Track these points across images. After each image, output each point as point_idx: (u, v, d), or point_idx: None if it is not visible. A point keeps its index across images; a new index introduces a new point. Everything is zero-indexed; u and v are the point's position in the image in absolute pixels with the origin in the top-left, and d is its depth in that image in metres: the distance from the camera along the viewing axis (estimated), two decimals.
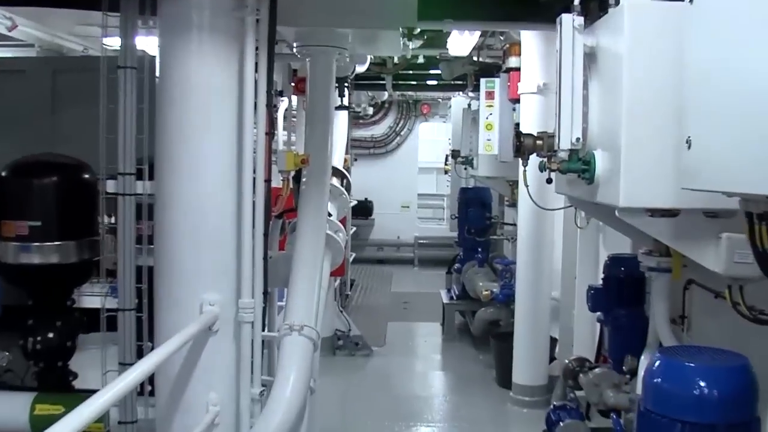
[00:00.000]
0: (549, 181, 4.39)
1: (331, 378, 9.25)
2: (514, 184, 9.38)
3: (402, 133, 18.96)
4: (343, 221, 6.49)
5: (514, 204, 9.48)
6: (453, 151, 10.87)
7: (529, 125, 7.48)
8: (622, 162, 3.16)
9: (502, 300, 9.16)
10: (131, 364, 3.90)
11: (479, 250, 10.67)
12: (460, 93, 15.22)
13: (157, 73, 4.08)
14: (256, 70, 4.09)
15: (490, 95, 8.50)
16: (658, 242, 4.06)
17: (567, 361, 5.08)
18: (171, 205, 4.05)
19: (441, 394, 8.93)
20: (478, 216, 10.89)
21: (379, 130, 18.96)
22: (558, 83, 3.54)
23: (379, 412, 8.16)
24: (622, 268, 4.66)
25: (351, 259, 14.77)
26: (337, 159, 6.81)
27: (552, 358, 8.27)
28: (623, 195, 3.16)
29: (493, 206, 11.51)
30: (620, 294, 4.63)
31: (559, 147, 3.52)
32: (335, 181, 6.44)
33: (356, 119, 18.47)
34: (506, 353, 8.33)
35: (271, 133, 4.29)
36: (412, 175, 18.90)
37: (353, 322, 11.22)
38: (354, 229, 15.42)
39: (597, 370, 4.64)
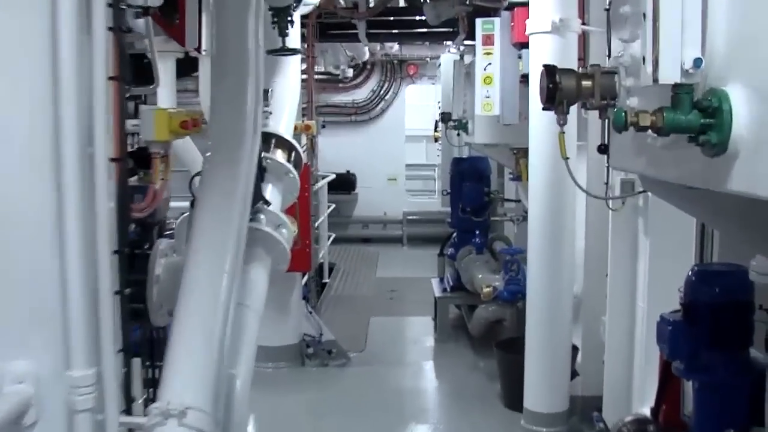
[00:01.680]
0: (603, 149, 2.60)
1: (298, 394, 7.55)
2: (520, 153, 7.59)
3: (386, 97, 17.04)
4: (291, 210, 4.71)
5: (518, 177, 7.70)
6: (443, 114, 9.00)
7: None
8: None
9: (508, 298, 7.39)
10: None
11: (476, 232, 8.82)
12: (451, 46, 13.41)
13: None
14: None
15: (488, 40, 6.66)
16: None
17: (621, 425, 3.31)
18: None
19: (433, 418, 7.16)
20: (475, 192, 9.05)
21: (360, 94, 17.03)
22: None
23: None
24: (717, 290, 2.86)
25: (330, 240, 13.04)
26: (284, 125, 4.99)
27: (573, 373, 6.53)
28: None
29: (492, 179, 9.69)
30: (716, 331, 2.84)
31: (656, 77, 1.72)
32: (279, 156, 4.67)
33: (335, 83, 16.60)
34: (514, 368, 6.58)
35: (121, 79, 2.47)
36: (399, 144, 17.07)
37: (329, 320, 9.50)
38: (332, 206, 13.60)
39: None
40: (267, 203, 4.20)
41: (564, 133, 2.63)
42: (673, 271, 3.81)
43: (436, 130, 14.21)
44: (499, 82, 6.60)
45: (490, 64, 6.64)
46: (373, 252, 15.35)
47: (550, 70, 2.48)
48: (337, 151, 16.51)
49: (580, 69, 2.48)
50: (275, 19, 4.40)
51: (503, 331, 8.18)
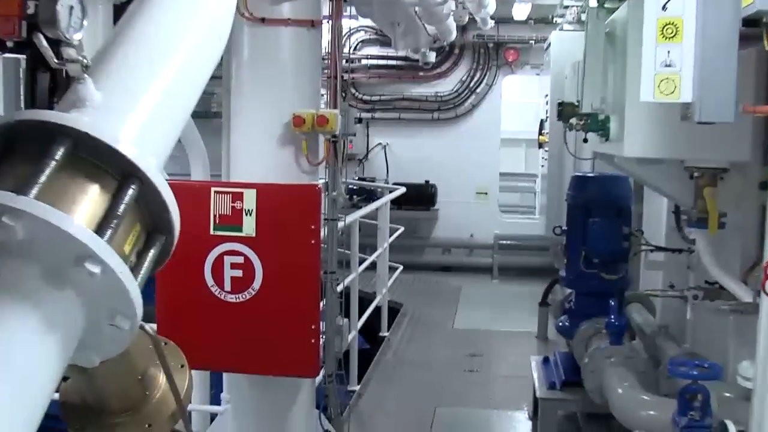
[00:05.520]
0: None
1: None
2: (705, 177, 4.18)
3: (478, 90, 13.59)
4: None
5: (700, 222, 4.25)
6: (561, 105, 5.56)
7: None
8: None
9: None
10: None
11: (610, 300, 5.35)
12: (564, 22, 10.15)
13: None
14: None
15: None
16: None
17: None
18: None
19: None
20: (609, 233, 5.60)
21: (446, 85, 13.64)
22: None
23: None
24: None
25: (396, 274, 9.90)
26: (147, 110, 1.75)
27: None
28: None
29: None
30: None
31: None
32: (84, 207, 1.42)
33: (414, 70, 13.34)
34: None
35: None
36: (493, 149, 13.64)
37: (376, 408, 6.49)
38: (400, 229, 10.38)
39: None
40: None
41: None
42: None
43: (541, 133, 10.81)
44: (696, 37, 3.18)
45: None
46: (454, 286, 12.01)
47: None
48: (414, 156, 13.38)
49: None
50: None
51: None
